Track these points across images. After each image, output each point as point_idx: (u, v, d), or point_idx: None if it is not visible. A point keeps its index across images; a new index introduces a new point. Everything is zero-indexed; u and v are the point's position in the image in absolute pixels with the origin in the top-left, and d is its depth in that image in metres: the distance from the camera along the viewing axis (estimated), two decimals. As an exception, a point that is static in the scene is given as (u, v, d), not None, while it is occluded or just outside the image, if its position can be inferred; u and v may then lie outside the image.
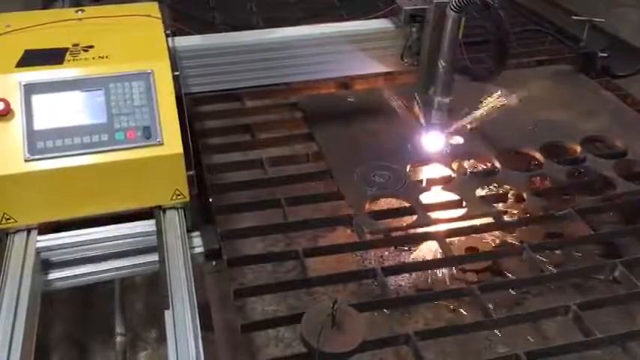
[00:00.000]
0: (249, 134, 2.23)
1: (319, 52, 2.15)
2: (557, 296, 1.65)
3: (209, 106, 2.36)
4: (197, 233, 1.68)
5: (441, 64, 1.89)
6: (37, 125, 1.57)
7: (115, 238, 1.62)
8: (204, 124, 2.27)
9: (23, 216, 1.59)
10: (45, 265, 1.59)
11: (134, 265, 1.62)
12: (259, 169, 2.05)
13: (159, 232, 1.59)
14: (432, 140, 2.03)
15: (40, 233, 1.61)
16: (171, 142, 1.61)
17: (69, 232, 1.63)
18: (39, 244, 1.58)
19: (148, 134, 1.61)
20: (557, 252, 1.80)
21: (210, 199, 1.80)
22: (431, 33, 1.95)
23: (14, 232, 1.60)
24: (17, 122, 1.57)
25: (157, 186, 1.64)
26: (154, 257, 1.56)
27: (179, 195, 1.65)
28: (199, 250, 1.64)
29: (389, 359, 1.53)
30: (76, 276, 1.59)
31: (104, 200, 1.63)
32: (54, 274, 1.58)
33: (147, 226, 1.65)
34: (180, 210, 1.68)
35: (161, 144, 1.61)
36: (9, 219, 1.57)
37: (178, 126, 1.63)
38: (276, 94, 2.42)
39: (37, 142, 1.56)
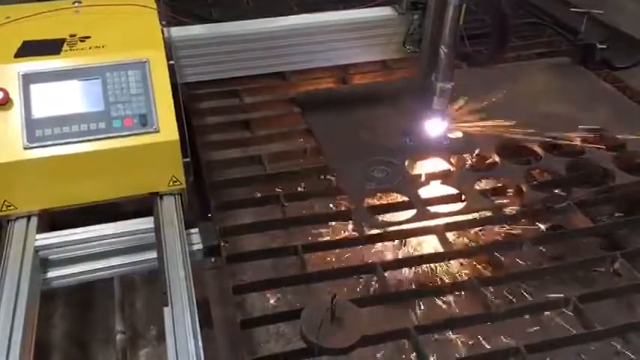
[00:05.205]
0: (247, 130, 2.23)
1: (321, 41, 2.15)
2: (557, 288, 1.64)
3: (207, 102, 2.35)
4: (196, 230, 1.68)
5: (443, 50, 1.88)
6: (36, 114, 1.59)
7: (113, 235, 1.62)
8: (202, 120, 2.26)
9: (23, 203, 1.61)
10: (43, 263, 1.59)
11: (133, 263, 1.62)
12: (258, 165, 2.04)
13: (157, 227, 1.59)
14: (434, 127, 2.03)
15: (39, 232, 1.61)
16: (167, 129, 1.63)
17: (67, 230, 1.63)
18: (37, 243, 1.58)
19: (145, 122, 1.62)
20: (556, 244, 1.79)
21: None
22: (432, 20, 1.95)
23: (14, 220, 1.62)
24: (16, 111, 1.59)
25: (154, 173, 1.66)
26: (153, 255, 1.56)
27: (176, 181, 1.67)
28: (198, 246, 1.64)
29: (389, 354, 1.53)
30: (74, 274, 1.60)
31: (102, 187, 1.65)
32: (53, 273, 1.58)
33: (145, 223, 1.65)
34: (177, 196, 1.70)
35: (157, 131, 1.63)
36: (9, 206, 1.59)
37: (174, 114, 1.64)
38: (274, 89, 2.41)
39: (35, 130, 1.58)
